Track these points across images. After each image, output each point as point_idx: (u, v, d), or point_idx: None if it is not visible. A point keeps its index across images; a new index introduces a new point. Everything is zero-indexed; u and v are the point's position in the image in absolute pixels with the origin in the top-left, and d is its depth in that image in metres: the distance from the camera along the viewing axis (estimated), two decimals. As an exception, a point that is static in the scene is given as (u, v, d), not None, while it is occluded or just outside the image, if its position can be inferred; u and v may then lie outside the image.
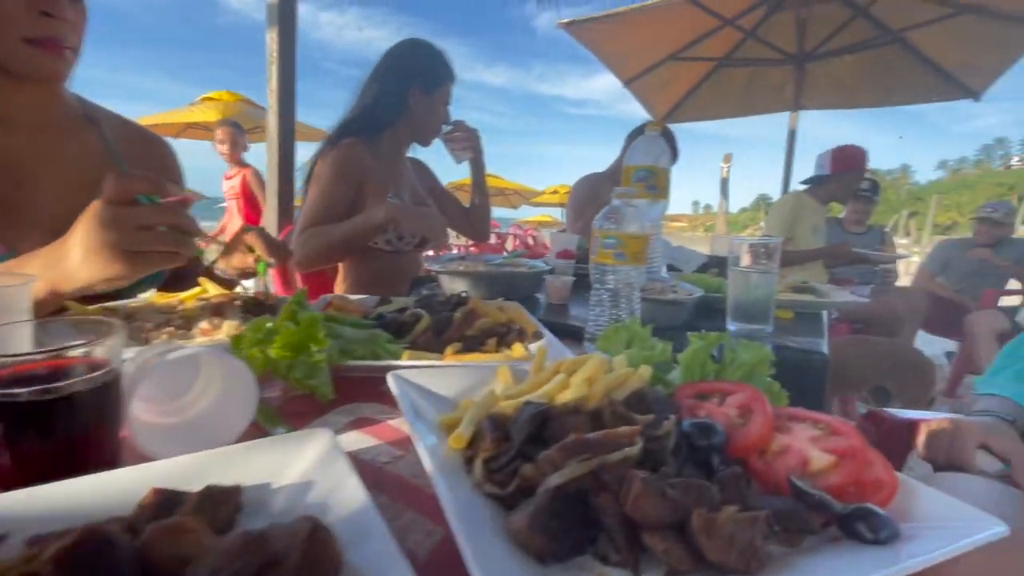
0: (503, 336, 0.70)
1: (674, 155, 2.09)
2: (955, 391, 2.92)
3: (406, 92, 1.48)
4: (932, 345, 3.54)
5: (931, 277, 3.36)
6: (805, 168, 2.73)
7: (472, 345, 0.66)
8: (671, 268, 1.36)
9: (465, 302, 0.79)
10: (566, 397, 0.42)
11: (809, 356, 0.75)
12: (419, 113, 1.51)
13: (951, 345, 3.29)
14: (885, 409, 0.91)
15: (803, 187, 2.74)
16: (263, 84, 1.79)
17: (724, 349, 0.49)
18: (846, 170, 2.58)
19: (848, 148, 2.58)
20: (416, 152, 1.70)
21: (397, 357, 0.58)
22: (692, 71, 3.92)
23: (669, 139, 2.06)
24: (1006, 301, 2.89)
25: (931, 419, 0.88)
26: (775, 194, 3.90)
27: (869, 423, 0.90)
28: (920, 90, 3.51)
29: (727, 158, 5.08)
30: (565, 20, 3.16)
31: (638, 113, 4.25)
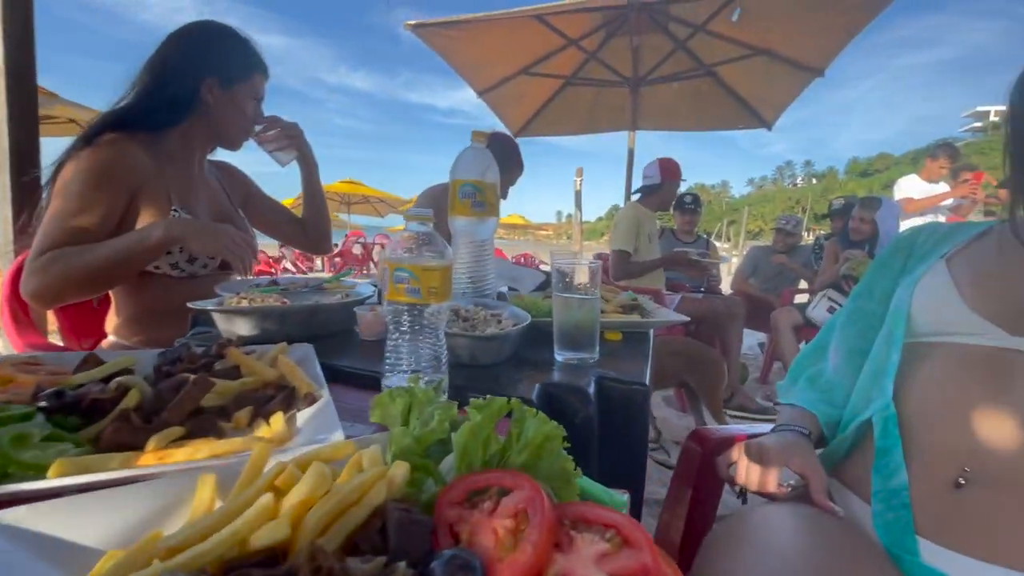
0: (261, 404, 0.53)
1: (518, 166, 2.04)
2: (767, 378, 3.39)
3: (198, 84, 1.21)
4: (748, 337, 4.10)
5: (745, 279, 3.90)
6: (640, 182, 2.96)
7: (205, 426, 0.48)
8: (511, 288, 1.29)
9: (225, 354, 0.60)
10: (260, 540, 0.27)
11: (630, 389, 0.70)
12: (219, 110, 1.25)
13: (764, 337, 3.84)
14: (708, 427, 0.92)
15: (635, 197, 2.95)
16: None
17: (512, 419, 0.39)
18: (673, 179, 2.85)
19: (669, 160, 2.85)
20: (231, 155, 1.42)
21: (43, 470, 0.37)
22: (543, 87, 4.05)
23: (507, 149, 2.01)
24: (799, 298, 3.45)
25: (744, 433, 0.91)
26: (622, 205, 4.22)
27: (694, 443, 0.90)
28: (728, 118, 4.06)
29: (579, 172, 5.41)
30: (412, 22, 3.02)
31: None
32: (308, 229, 1.56)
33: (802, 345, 2.99)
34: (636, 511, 0.78)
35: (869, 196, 3.26)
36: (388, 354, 0.58)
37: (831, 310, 2.83)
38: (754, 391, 3.17)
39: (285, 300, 0.86)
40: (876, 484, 0.65)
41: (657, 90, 3.94)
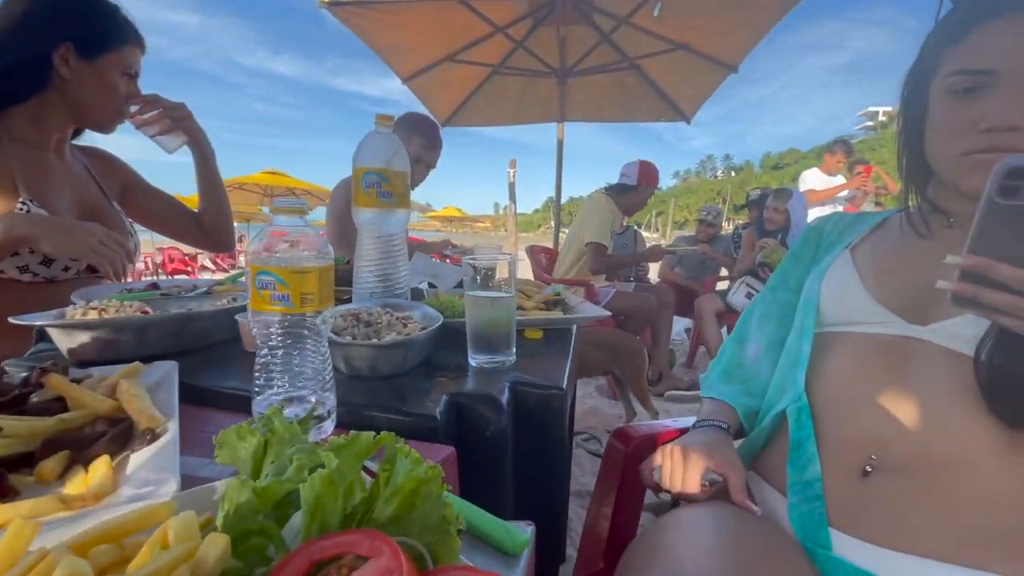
0: (83, 447, 0.42)
1: (428, 139, 1.92)
2: (692, 362, 3.54)
3: (49, 53, 1.02)
4: (675, 324, 4.27)
5: (671, 268, 4.05)
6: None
7: (-15, 485, 0.36)
8: (431, 285, 1.21)
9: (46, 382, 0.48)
10: None
11: (547, 393, 0.65)
12: (78, 85, 1.06)
13: (690, 323, 4.00)
14: (632, 424, 0.90)
15: (605, 192, 2.88)
16: None
17: (382, 460, 0.32)
18: (649, 185, 2.80)
19: (650, 165, 2.80)
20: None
21: None
22: (470, 75, 3.94)
23: (419, 127, 1.89)
24: (720, 285, 3.62)
25: (668, 428, 0.90)
26: (555, 197, 4.21)
27: (617, 441, 0.88)
28: (651, 111, 4.16)
29: (512, 163, 5.37)
30: (327, 0, 2.81)
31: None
32: (206, 225, 1.38)
33: (724, 330, 3.14)
34: (554, 528, 0.74)
35: (782, 187, 3.46)
36: (257, 374, 0.49)
37: (749, 295, 2.98)
38: (681, 375, 3.29)
39: (147, 309, 0.73)
40: (791, 476, 0.64)
41: (584, 82, 3.95)
